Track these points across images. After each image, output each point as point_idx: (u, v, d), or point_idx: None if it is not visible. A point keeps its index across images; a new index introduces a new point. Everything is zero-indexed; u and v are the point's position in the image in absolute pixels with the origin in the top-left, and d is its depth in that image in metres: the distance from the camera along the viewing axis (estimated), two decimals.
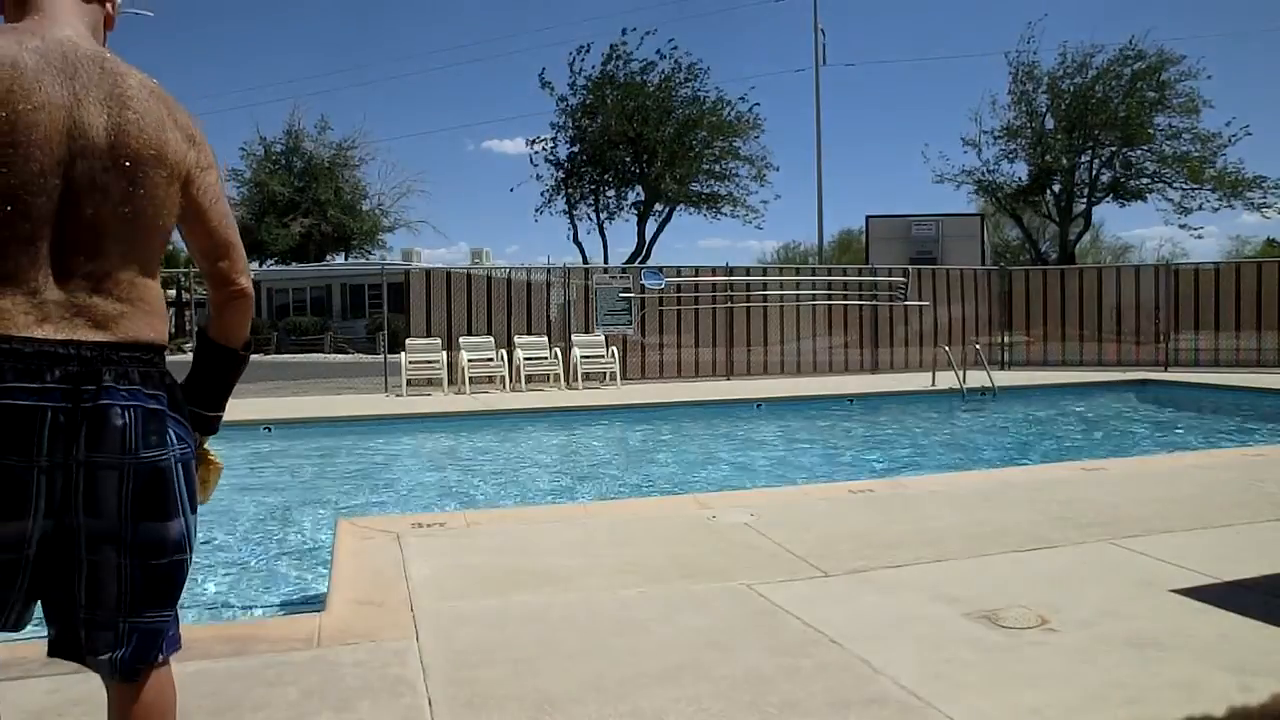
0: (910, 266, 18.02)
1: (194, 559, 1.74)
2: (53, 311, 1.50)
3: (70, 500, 1.52)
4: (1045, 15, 45.71)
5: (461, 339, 14.01)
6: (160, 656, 1.64)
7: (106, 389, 1.52)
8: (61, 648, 1.66)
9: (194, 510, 1.69)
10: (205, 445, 1.89)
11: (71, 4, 1.64)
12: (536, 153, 30.53)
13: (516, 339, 14.26)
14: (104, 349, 1.53)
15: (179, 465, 1.63)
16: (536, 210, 31.43)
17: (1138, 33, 31.14)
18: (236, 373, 1.85)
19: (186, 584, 1.71)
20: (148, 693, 1.62)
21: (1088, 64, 29.15)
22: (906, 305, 16.72)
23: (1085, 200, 31.84)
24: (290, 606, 4.34)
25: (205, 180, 1.65)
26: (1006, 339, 17.27)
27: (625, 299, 15.15)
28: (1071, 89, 29.47)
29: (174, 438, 1.63)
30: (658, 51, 28.56)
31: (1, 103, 1.44)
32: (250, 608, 4.42)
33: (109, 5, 1.73)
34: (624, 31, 28.21)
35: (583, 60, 28.68)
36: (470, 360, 13.52)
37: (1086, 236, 39.25)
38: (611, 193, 31.14)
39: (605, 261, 28.99)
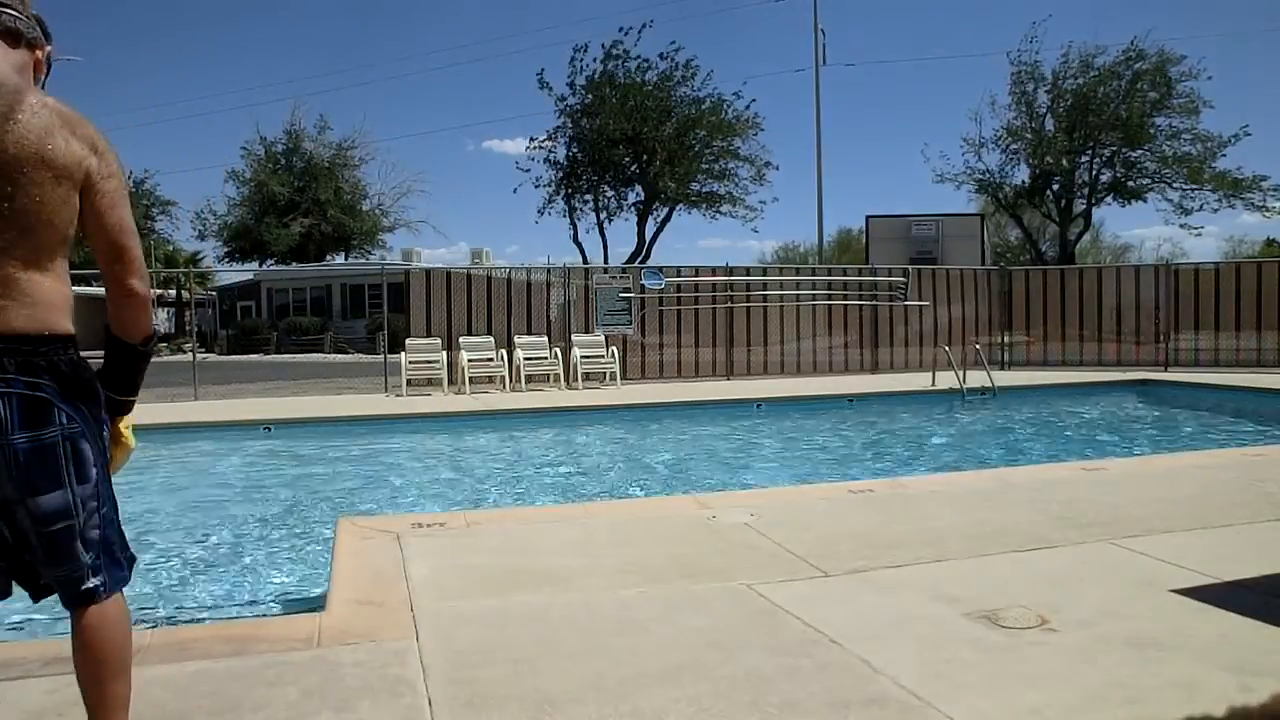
0: (910, 266, 18.02)
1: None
2: None
3: None
4: (1050, 16, 45.71)
5: (461, 339, 14.01)
6: (93, 596, 1.89)
7: None
8: (31, 594, 1.98)
9: (88, 480, 1.88)
10: (121, 425, 2.09)
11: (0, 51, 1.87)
12: (532, 157, 30.59)
13: (516, 339, 14.26)
14: None
15: (66, 443, 1.83)
16: (538, 211, 31.48)
17: (1138, 33, 31.14)
18: (139, 363, 2.06)
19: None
20: (90, 620, 1.89)
21: (1090, 64, 29.16)
22: (906, 305, 16.72)
23: (1085, 200, 31.84)
24: (290, 606, 4.34)
25: (104, 187, 1.84)
26: (1006, 339, 17.27)
27: (625, 299, 15.15)
28: (1073, 89, 29.48)
29: (63, 418, 1.82)
30: (660, 55, 28.61)
31: None
32: (250, 607, 4.42)
33: (38, 52, 1.98)
34: (623, 31, 28.23)
35: (581, 60, 28.72)
36: (470, 360, 13.52)
37: (1086, 236, 39.26)
38: (611, 192, 31.17)
39: (605, 261, 29.00)
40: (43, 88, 1.96)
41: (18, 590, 2.02)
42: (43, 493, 1.82)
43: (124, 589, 1.99)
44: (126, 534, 2.07)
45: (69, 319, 1.86)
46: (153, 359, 2.13)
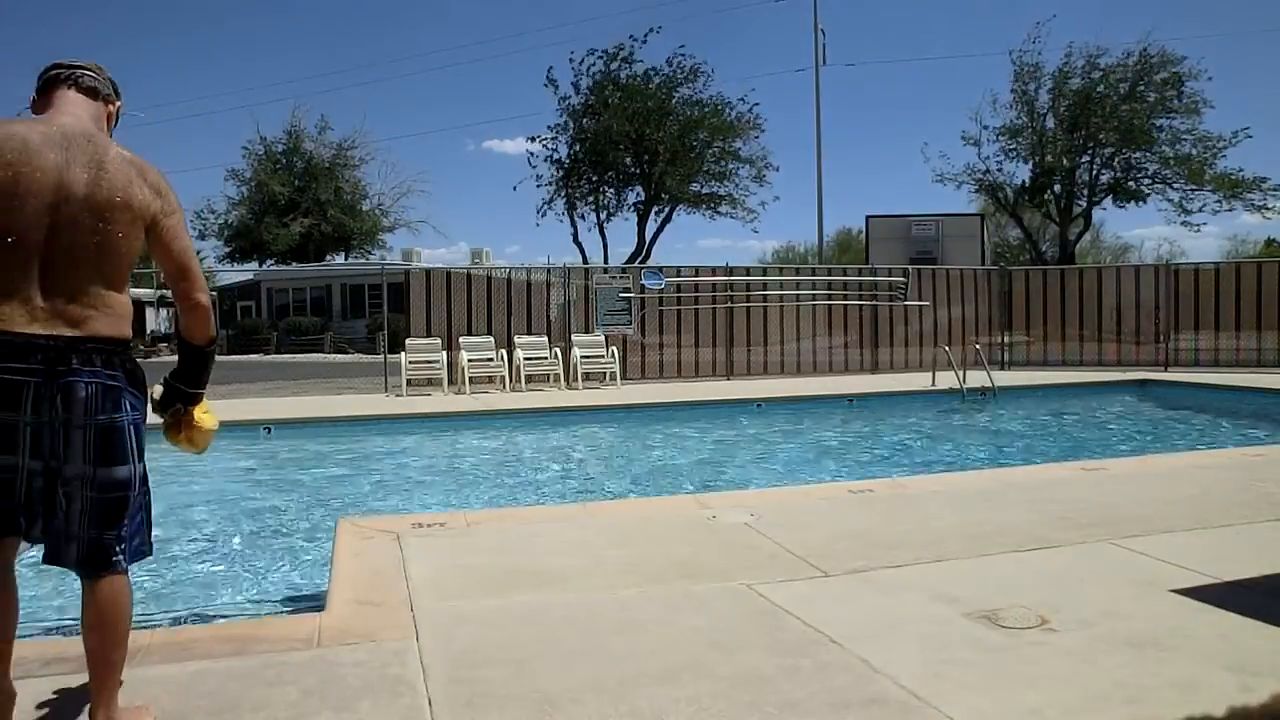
0: (910, 266, 18.02)
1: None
2: (39, 314, 2.15)
3: (55, 449, 2.17)
4: (1054, 16, 45.69)
5: (461, 339, 14.01)
6: (114, 565, 2.24)
7: (74, 369, 2.17)
8: (49, 558, 2.27)
9: (141, 460, 2.32)
10: (194, 412, 2.60)
11: (79, 102, 2.36)
12: (535, 154, 30.57)
13: (516, 339, 14.26)
14: (73, 341, 2.17)
15: (130, 426, 2.28)
16: (538, 212, 31.47)
17: (1139, 34, 31.19)
18: (205, 361, 2.56)
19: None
20: (103, 591, 2.24)
21: (1092, 64, 29.18)
22: (906, 305, 16.72)
23: (1085, 200, 31.85)
24: (290, 606, 4.34)
25: (167, 223, 2.31)
26: (1006, 339, 17.26)
27: (625, 299, 15.15)
28: (1074, 89, 29.48)
29: (128, 406, 2.28)
30: (667, 60, 28.63)
31: (11, 165, 2.12)
32: (250, 607, 4.42)
33: (110, 107, 2.47)
34: (631, 38, 28.26)
35: (585, 62, 28.74)
36: (470, 360, 13.52)
37: (1087, 237, 39.28)
38: (611, 192, 31.18)
39: (605, 261, 29.01)
40: (110, 135, 2.46)
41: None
42: (114, 464, 2.24)
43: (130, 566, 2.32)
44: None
45: (129, 327, 2.32)
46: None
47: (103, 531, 2.23)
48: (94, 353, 2.20)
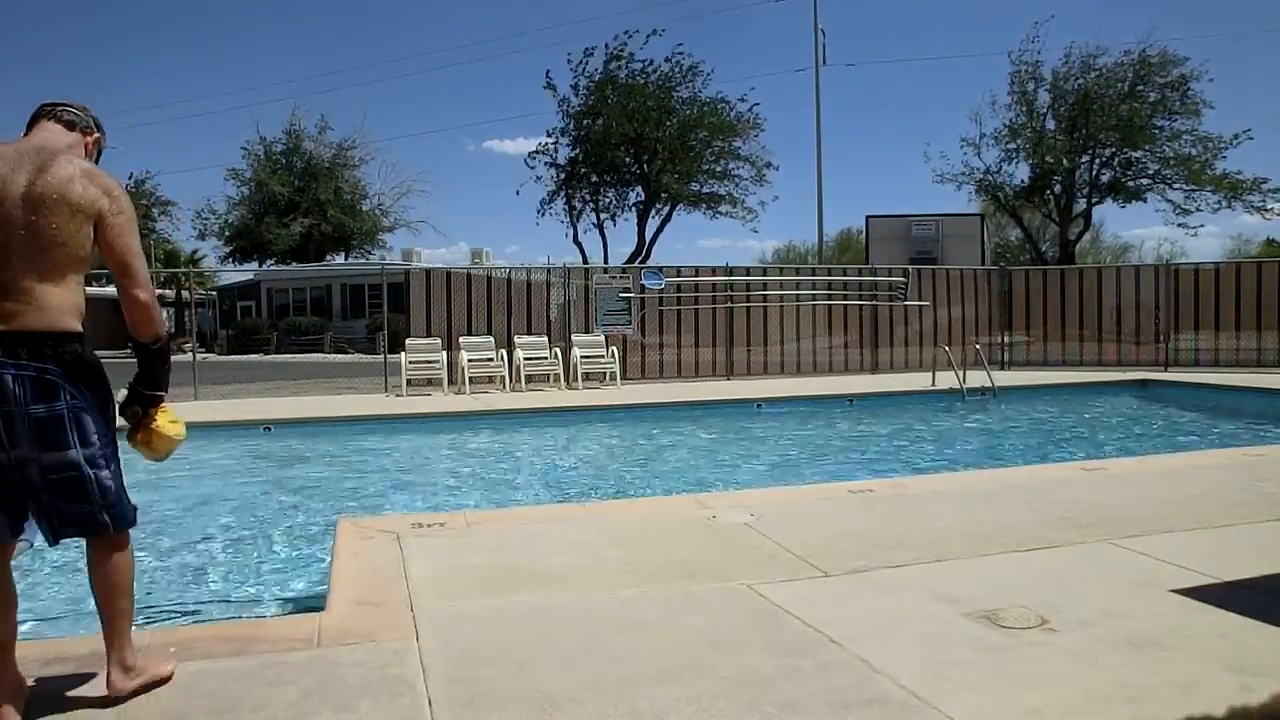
0: (910, 266, 18.02)
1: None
2: None
3: (3, 436, 2.34)
4: (1053, 16, 45.65)
5: (461, 339, 14.01)
6: (102, 529, 2.46)
7: (1, 363, 2.30)
8: (47, 536, 2.49)
9: (91, 444, 2.43)
10: (155, 415, 2.64)
11: (53, 129, 2.58)
12: (536, 157, 30.61)
13: (516, 339, 14.26)
14: (1, 335, 2.30)
15: (70, 415, 2.39)
16: (538, 212, 31.48)
17: (1139, 34, 31.18)
18: (154, 361, 2.61)
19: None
20: (101, 550, 2.50)
21: (1091, 64, 29.18)
22: (906, 305, 16.72)
23: (1085, 200, 31.85)
24: (290, 606, 4.34)
25: (113, 221, 2.45)
26: (1006, 339, 17.26)
27: (625, 299, 15.15)
28: (1074, 89, 29.49)
29: (65, 396, 2.38)
30: (666, 59, 28.63)
31: None
32: (250, 607, 4.42)
33: (88, 138, 2.67)
34: (629, 34, 28.26)
35: (584, 63, 28.74)
36: (470, 360, 13.52)
37: (1086, 236, 39.27)
38: (611, 193, 31.19)
39: (605, 261, 29.01)
40: (97, 159, 2.69)
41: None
42: (54, 450, 2.38)
43: (127, 529, 2.54)
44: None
45: (76, 320, 2.40)
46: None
47: (77, 505, 2.43)
48: (20, 346, 2.31)
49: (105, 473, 2.46)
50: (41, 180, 2.36)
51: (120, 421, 2.59)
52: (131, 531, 2.58)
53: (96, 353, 2.51)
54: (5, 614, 2.44)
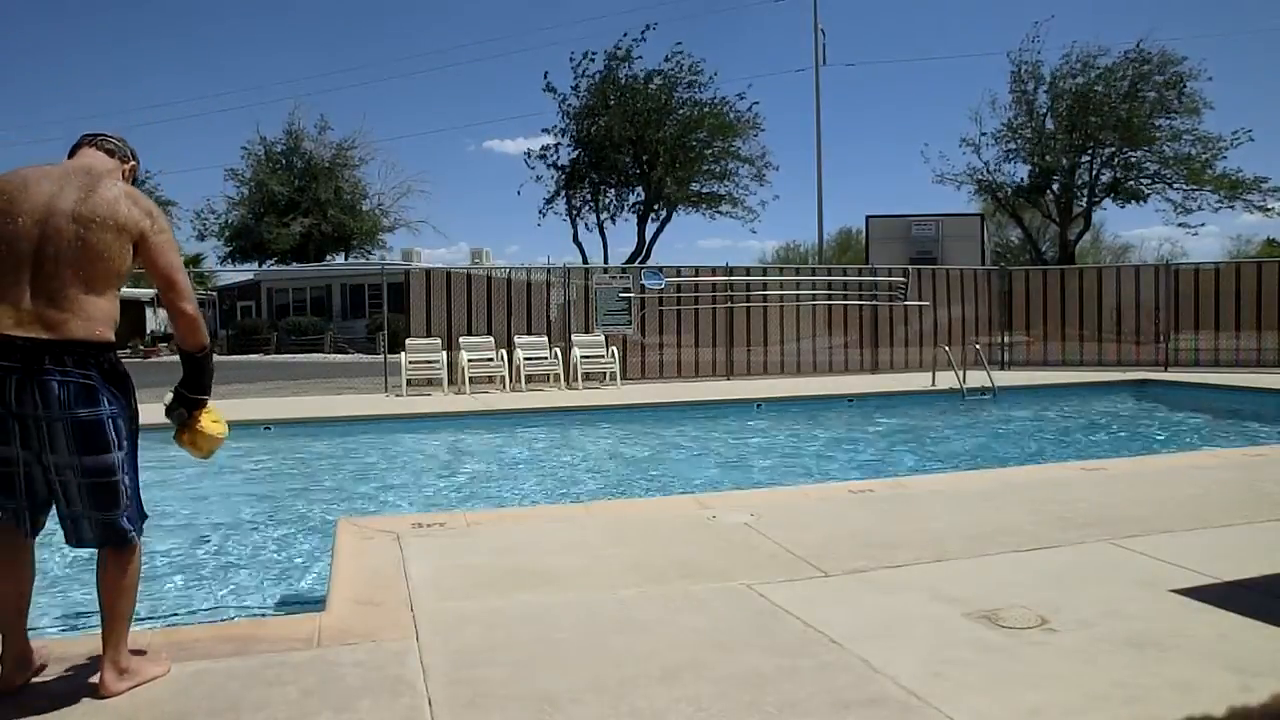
0: (910, 266, 18.02)
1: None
2: (25, 318, 2.45)
3: (41, 441, 2.49)
4: (1052, 16, 45.66)
5: (461, 339, 14.01)
6: (120, 539, 2.60)
7: (46, 369, 2.45)
8: (68, 539, 2.64)
9: (124, 449, 2.59)
10: (201, 417, 2.83)
11: (95, 155, 2.78)
12: (536, 158, 30.64)
13: (516, 339, 14.26)
14: (47, 343, 2.45)
15: (109, 420, 2.54)
16: (539, 213, 31.49)
17: (1139, 34, 31.20)
18: (200, 368, 2.82)
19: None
20: (118, 558, 2.61)
21: (1090, 64, 29.18)
22: (906, 305, 16.72)
23: (1085, 200, 31.85)
24: (290, 606, 4.34)
25: (155, 240, 2.61)
26: (1006, 339, 17.26)
27: (625, 299, 15.15)
28: (1074, 89, 29.49)
29: (105, 401, 2.53)
30: (665, 59, 28.63)
31: (7, 194, 2.50)
32: (250, 607, 4.42)
33: (125, 165, 2.86)
34: (626, 35, 28.29)
35: (584, 64, 28.75)
36: (470, 360, 13.52)
37: (1087, 237, 39.28)
38: (612, 193, 31.19)
39: (605, 261, 29.01)
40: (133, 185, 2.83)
41: None
42: (95, 453, 2.52)
43: (138, 537, 2.68)
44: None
45: (112, 331, 2.56)
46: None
47: (108, 512, 2.57)
48: (65, 354, 2.46)
49: (127, 479, 2.62)
50: (91, 199, 2.54)
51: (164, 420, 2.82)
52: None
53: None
54: (19, 584, 2.64)
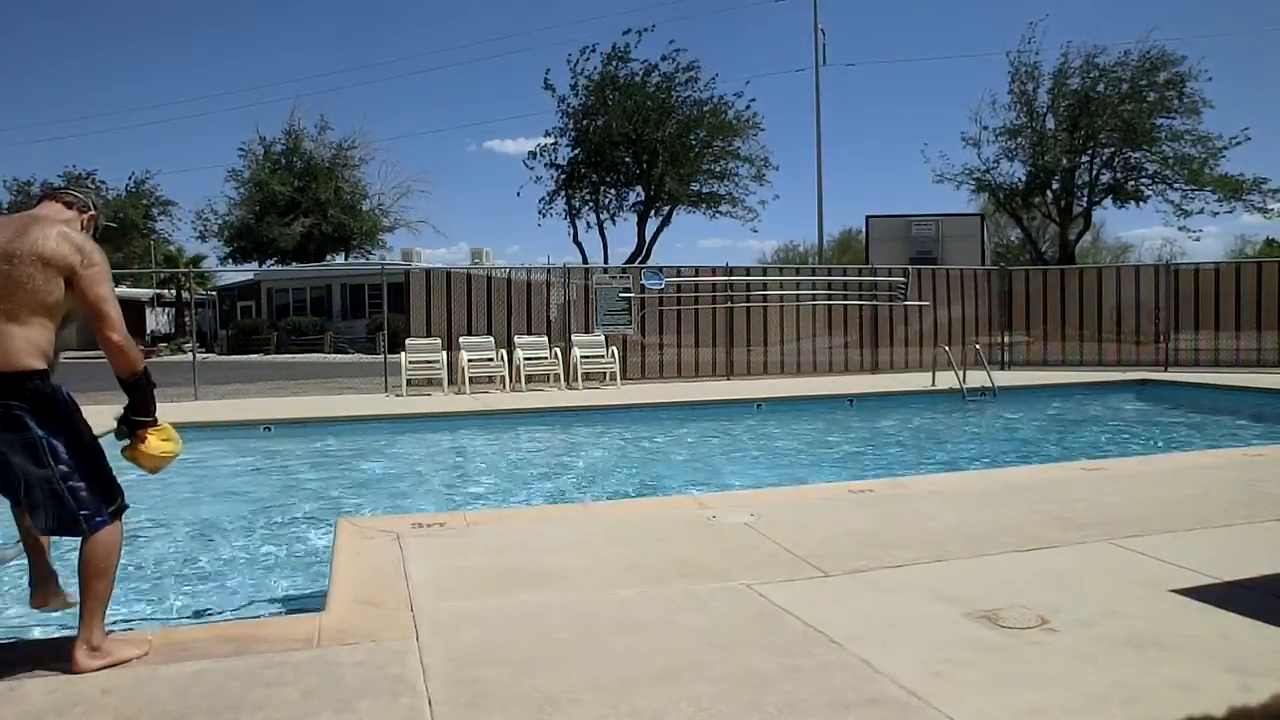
0: (910, 266, 18.01)
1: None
2: None
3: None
4: (1047, 15, 45.69)
5: (461, 339, 14.01)
6: (74, 529, 2.81)
7: None
8: (34, 523, 2.92)
9: (62, 462, 2.75)
10: (148, 435, 2.95)
11: (52, 207, 2.96)
12: (535, 158, 30.65)
13: (516, 339, 14.26)
14: None
15: (40, 441, 2.72)
16: (539, 213, 31.48)
17: (1139, 34, 31.19)
18: (136, 392, 2.94)
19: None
20: (85, 547, 2.82)
21: (1091, 64, 29.18)
22: (906, 305, 16.71)
23: (1085, 201, 31.85)
24: (290, 606, 4.34)
25: (84, 274, 2.78)
26: (1006, 339, 17.25)
27: (625, 299, 15.15)
28: (1074, 89, 29.49)
29: (32, 425, 2.70)
30: (663, 57, 28.63)
31: None
32: (250, 607, 4.42)
33: (84, 215, 3.03)
34: (626, 33, 28.28)
35: (585, 62, 28.76)
36: (470, 360, 13.51)
37: (1087, 237, 39.28)
38: (612, 193, 31.19)
39: (605, 261, 29.01)
40: (95, 233, 3.06)
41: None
42: (35, 467, 2.74)
43: (110, 524, 2.85)
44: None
45: (38, 359, 2.72)
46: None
47: (60, 509, 2.79)
48: None
49: (80, 485, 2.79)
50: (20, 239, 2.75)
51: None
52: (128, 530, 2.90)
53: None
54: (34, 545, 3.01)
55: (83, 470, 2.80)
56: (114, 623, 3.95)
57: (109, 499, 2.87)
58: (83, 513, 2.79)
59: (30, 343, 2.71)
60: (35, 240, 2.75)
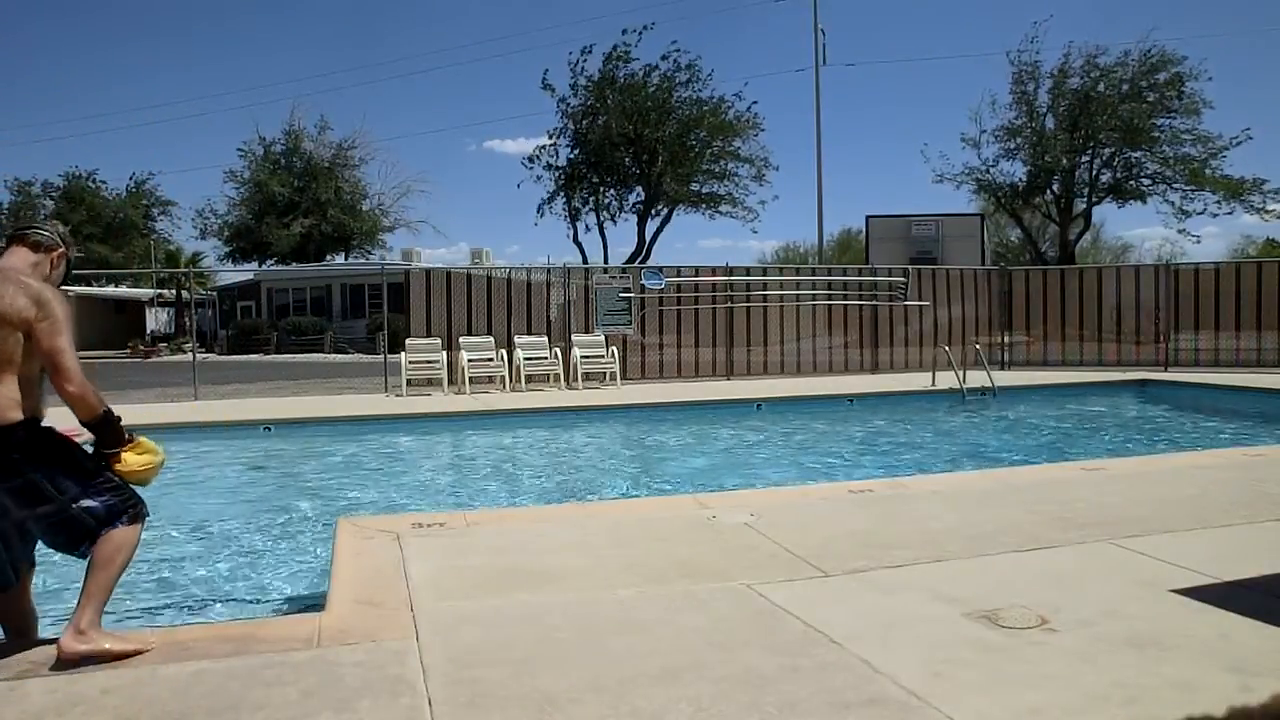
0: (910, 266, 18.01)
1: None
2: None
3: (3, 506, 2.88)
4: (1051, 16, 45.68)
5: (461, 339, 14.00)
6: (95, 537, 2.93)
7: None
8: (68, 552, 3.07)
9: (66, 493, 2.89)
10: (124, 457, 3.07)
11: (19, 253, 3.05)
12: (535, 158, 30.65)
13: (516, 339, 14.26)
14: None
15: (40, 479, 2.86)
16: (537, 212, 31.49)
17: (1139, 34, 31.17)
18: (101, 431, 3.04)
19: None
20: (99, 540, 2.94)
21: (1091, 64, 29.18)
22: (906, 305, 16.71)
23: (1085, 200, 31.85)
24: (290, 606, 4.34)
25: (40, 327, 2.86)
26: (1006, 339, 17.25)
27: (625, 299, 15.14)
28: (1074, 89, 29.49)
29: (27, 470, 2.85)
30: (663, 57, 28.64)
31: None
32: (250, 607, 4.42)
33: (52, 254, 3.11)
34: (625, 32, 28.29)
35: (584, 62, 28.77)
36: (470, 360, 13.51)
37: (1087, 237, 39.27)
38: (612, 193, 31.19)
39: (605, 261, 29.01)
40: (65, 269, 3.18)
41: None
42: (42, 504, 2.89)
43: (129, 525, 3.01)
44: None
45: (16, 410, 2.85)
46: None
47: (76, 531, 2.94)
48: None
49: (93, 503, 2.94)
50: None
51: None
52: (135, 526, 3.05)
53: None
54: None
55: (89, 490, 2.94)
56: (115, 622, 3.96)
57: (122, 509, 2.99)
58: (102, 520, 2.93)
59: (7, 399, 2.84)
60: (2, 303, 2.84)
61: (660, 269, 15.82)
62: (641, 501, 6.41)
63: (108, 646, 2.89)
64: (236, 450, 9.18)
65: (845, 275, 17.49)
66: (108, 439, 3.07)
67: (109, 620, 3.14)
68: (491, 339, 14.17)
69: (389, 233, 43.40)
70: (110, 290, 39.36)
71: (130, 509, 3.02)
